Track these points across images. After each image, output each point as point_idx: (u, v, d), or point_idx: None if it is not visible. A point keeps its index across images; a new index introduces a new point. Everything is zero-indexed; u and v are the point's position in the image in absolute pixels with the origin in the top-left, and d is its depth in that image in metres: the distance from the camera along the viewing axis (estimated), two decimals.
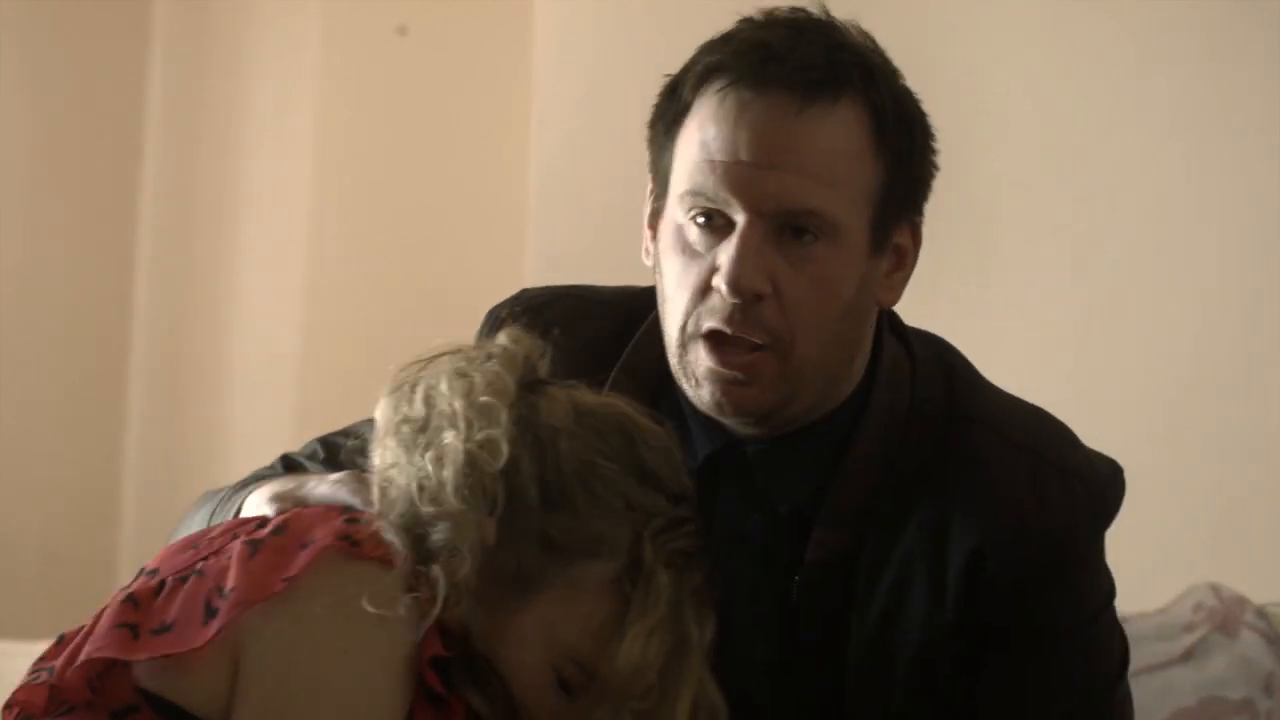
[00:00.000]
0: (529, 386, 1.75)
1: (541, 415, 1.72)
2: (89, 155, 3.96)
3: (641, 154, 1.89)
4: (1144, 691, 2.67)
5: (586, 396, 1.76)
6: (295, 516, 1.70)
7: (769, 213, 1.78)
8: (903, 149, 1.84)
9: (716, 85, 1.80)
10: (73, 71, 3.97)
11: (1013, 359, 3.11)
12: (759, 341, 1.80)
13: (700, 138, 1.80)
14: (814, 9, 1.84)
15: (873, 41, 1.84)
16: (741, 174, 1.78)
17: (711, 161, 1.79)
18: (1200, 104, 3.19)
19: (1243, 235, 3.17)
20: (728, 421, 1.86)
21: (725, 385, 1.80)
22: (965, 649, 1.86)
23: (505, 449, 1.68)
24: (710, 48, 1.83)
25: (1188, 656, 2.80)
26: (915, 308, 3.16)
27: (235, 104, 3.94)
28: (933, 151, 1.87)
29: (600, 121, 3.59)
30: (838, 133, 1.79)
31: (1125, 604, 2.79)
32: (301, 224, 3.86)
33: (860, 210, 1.81)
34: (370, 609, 1.62)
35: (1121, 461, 3.08)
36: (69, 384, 4.05)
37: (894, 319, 1.96)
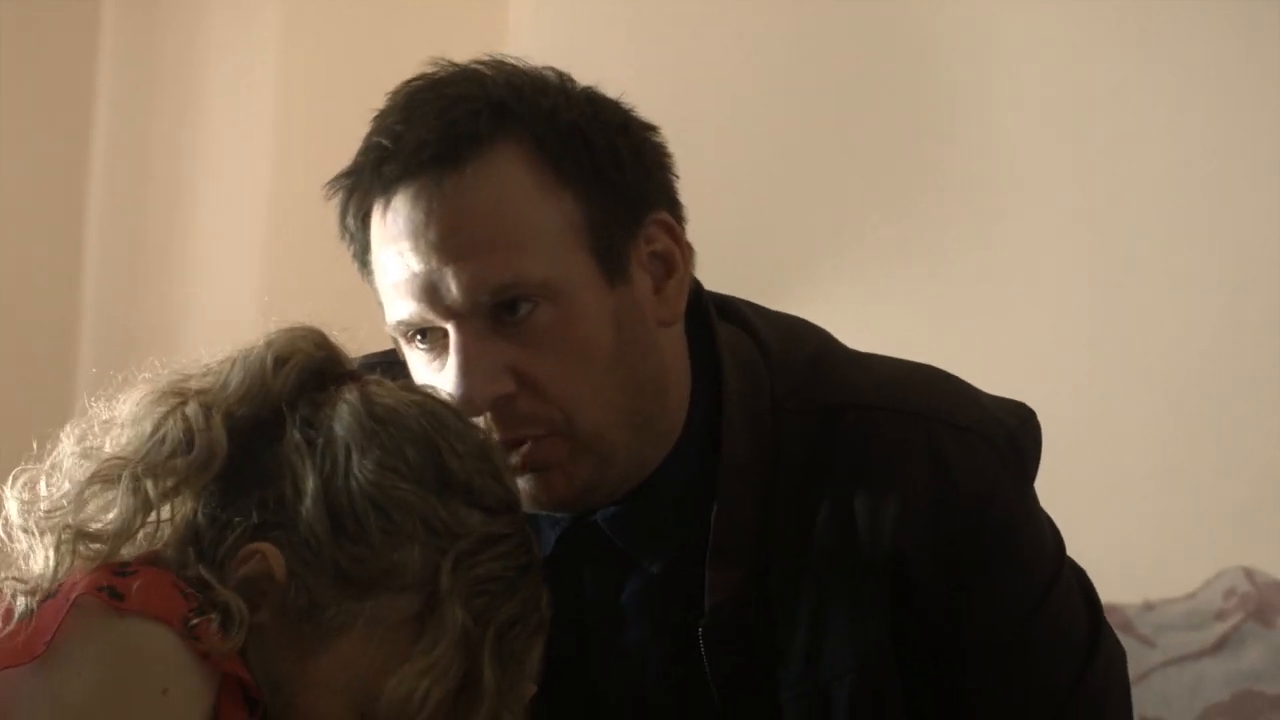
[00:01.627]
0: (311, 384, 1.54)
1: (325, 423, 1.52)
2: (37, 131, 3.75)
3: None
4: (1172, 685, 2.57)
5: (383, 394, 1.55)
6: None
7: (469, 308, 1.60)
8: (594, 165, 1.63)
9: (363, 211, 1.64)
10: (21, 43, 3.76)
11: (1022, 334, 2.94)
12: (531, 434, 1.61)
13: (379, 268, 1.64)
14: (444, 65, 1.65)
15: (523, 73, 1.65)
16: (422, 285, 1.60)
17: (395, 286, 1.62)
18: (1221, 67, 3.05)
19: (1269, 204, 3.02)
20: (560, 513, 1.68)
21: (531, 482, 1.62)
22: (913, 666, 1.66)
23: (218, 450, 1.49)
24: (346, 170, 1.66)
25: (1220, 646, 2.65)
26: (920, 283, 3.05)
27: (191, 73, 3.74)
28: (647, 141, 1.67)
29: None
30: (492, 191, 1.61)
31: (1150, 590, 2.63)
32: (261, 200, 3.68)
33: (568, 252, 1.62)
34: (146, 683, 1.40)
35: (1142, 440, 2.94)
36: (18, 367, 3.86)
37: (730, 307, 1.75)
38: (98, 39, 3.76)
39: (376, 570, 1.48)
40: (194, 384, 1.52)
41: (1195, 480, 2.92)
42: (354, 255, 1.67)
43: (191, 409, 1.50)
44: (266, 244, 3.67)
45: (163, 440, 1.49)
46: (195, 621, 1.42)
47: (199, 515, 1.51)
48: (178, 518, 1.51)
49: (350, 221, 1.66)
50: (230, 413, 1.51)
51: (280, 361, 1.53)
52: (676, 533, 1.68)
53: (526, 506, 1.61)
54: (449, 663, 1.47)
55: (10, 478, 1.49)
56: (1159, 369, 3.00)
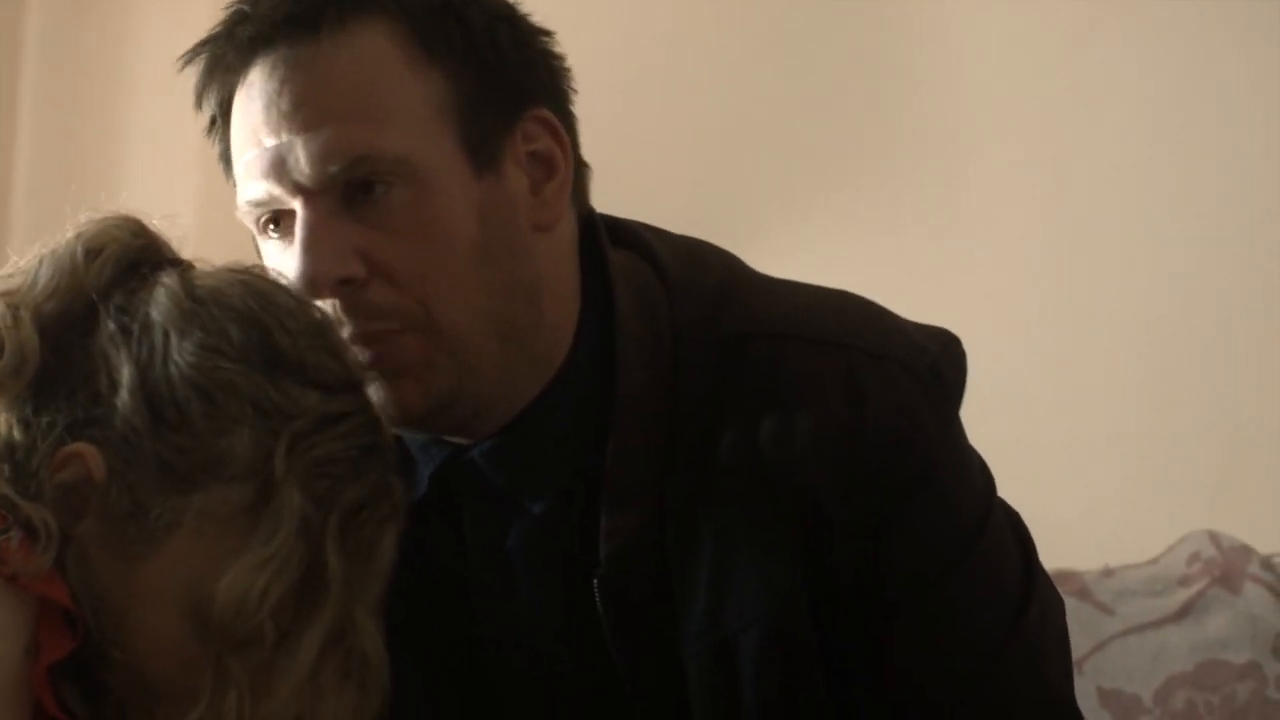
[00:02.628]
0: (127, 275, 1.41)
1: (141, 309, 1.39)
2: None
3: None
4: (1134, 654, 2.48)
5: (205, 275, 1.43)
6: None
7: (318, 184, 1.49)
8: (467, 46, 1.53)
9: (224, 96, 1.54)
10: None
11: (980, 296, 2.85)
12: (385, 327, 1.49)
13: (235, 150, 1.54)
14: None
15: None
16: (271, 159, 1.50)
17: (246, 165, 1.52)
18: (1184, 15, 2.94)
19: (1236, 156, 2.91)
20: (416, 433, 1.56)
21: (382, 390, 1.49)
22: (829, 615, 1.53)
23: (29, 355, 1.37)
24: (203, 38, 1.56)
25: (1183, 614, 2.52)
26: (875, 244, 2.96)
27: (121, 50, 3.62)
28: (534, 37, 1.57)
29: None
30: (352, 61, 1.51)
31: (1114, 556, 2.52)
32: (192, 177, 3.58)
33: (431, 135, 1.51)
34: None
35: (1105, 402, 2.83)
36: None
37: (626, 230, 1.64)
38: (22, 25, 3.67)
39: (203, 460, 1.36)
40: (0, 286, 1.40)
41: (1159, 443, 2.83)
42: (220, 154, 1.57)
43: None
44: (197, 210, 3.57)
45: None
46: (10, 530, 1.30)
47: (13, 427, 1.38)
48: None
49: (210, 106, 1.55)
50: (39, 310, 1.39)
51: (92, 253, 1.41)
52: (562, 471, 1.56)
53: (387, 423, 1.48)
54: (289, 553, 1.35)
55: None
56: (1122, 329, 2.89)
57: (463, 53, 1.52)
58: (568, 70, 1.59)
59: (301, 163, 1.48)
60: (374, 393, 1.48)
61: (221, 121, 1.54)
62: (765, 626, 1.52)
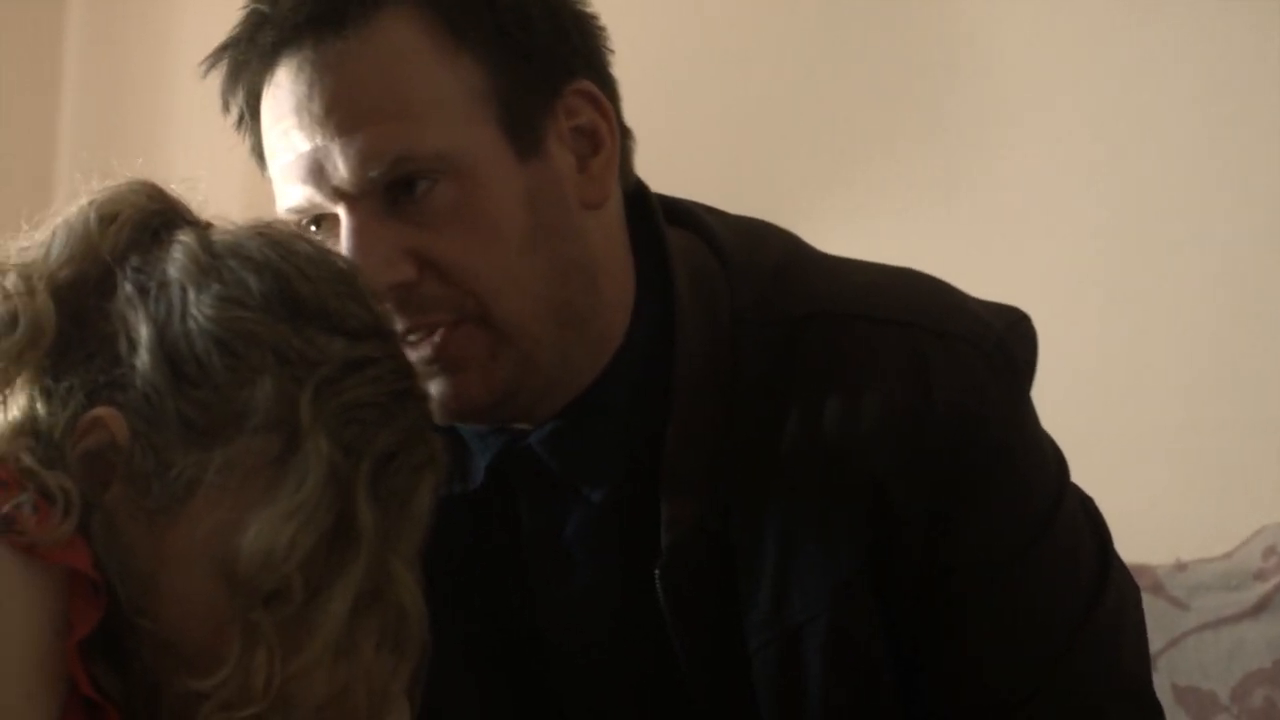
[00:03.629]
0: (144, 239, 1.37)
1: (158, 268, 1.35)
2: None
3: None
4: (1208, 650, 2.43)
5: (223, 233, 1.38)
6: None
7: (359, 188, 1.45)
8: (497, 25, 1.48)
9: (251, 92, 1.50)
10: None
11: (1035, 277, 2.81)
12: (439, 319, 1.46)
13: (269, 152, 1.50)
14: None
15: None
16: (308, 165, 1.46)
17: (282, 171, 1.48)
18: None
19: None
20: (476, 425, 1.53)
21: (442, 384, 1.46)
22: (896, 606, 1.49)
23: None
24: (223, 42, 1.52)
25: (1260, 609, 2.46)
26: (925, 221, 2.91)
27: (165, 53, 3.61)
28: (565, 5, 1.52)
29: None
30: (381, 57, 1.46)
31: (1186, 550, 2.47)
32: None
33: (469, 123, 1.46)
34: None
35: (1171, 389, 2.78)
36: None
37: (683, 210, 1.59)
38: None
39: (226, 413, 1.31)
40: (14, 258, 1.37)
41: (1231, 433, 2.74)
42: (251, 149, 1.53)
43: (11, 281, 1.34)
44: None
45: None
46: (6, 510, 1.25)
47: (35, 400, 1.35)
48: (13, 404, 1.35)
49: (238, 105, 1.51)
50: (54, 279, 1.35)
51: (107, 219, 1.37)
52: (621, 457, 1.52)
53: (437, 418, 1.44)
54: (317, 503, 1.30)
55: None
56: (1188, 311, 2.82)
57: (494, 34, 1.47)
58: (603, 31, 1.55)
59: (340, 169, 1.45)
60: (434, 387, 1.44)
61: (250, 117, 1.51)
62: (830, 618, 1.48)
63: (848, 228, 2.81)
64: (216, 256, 1.35)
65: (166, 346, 1.32)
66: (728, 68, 3.07)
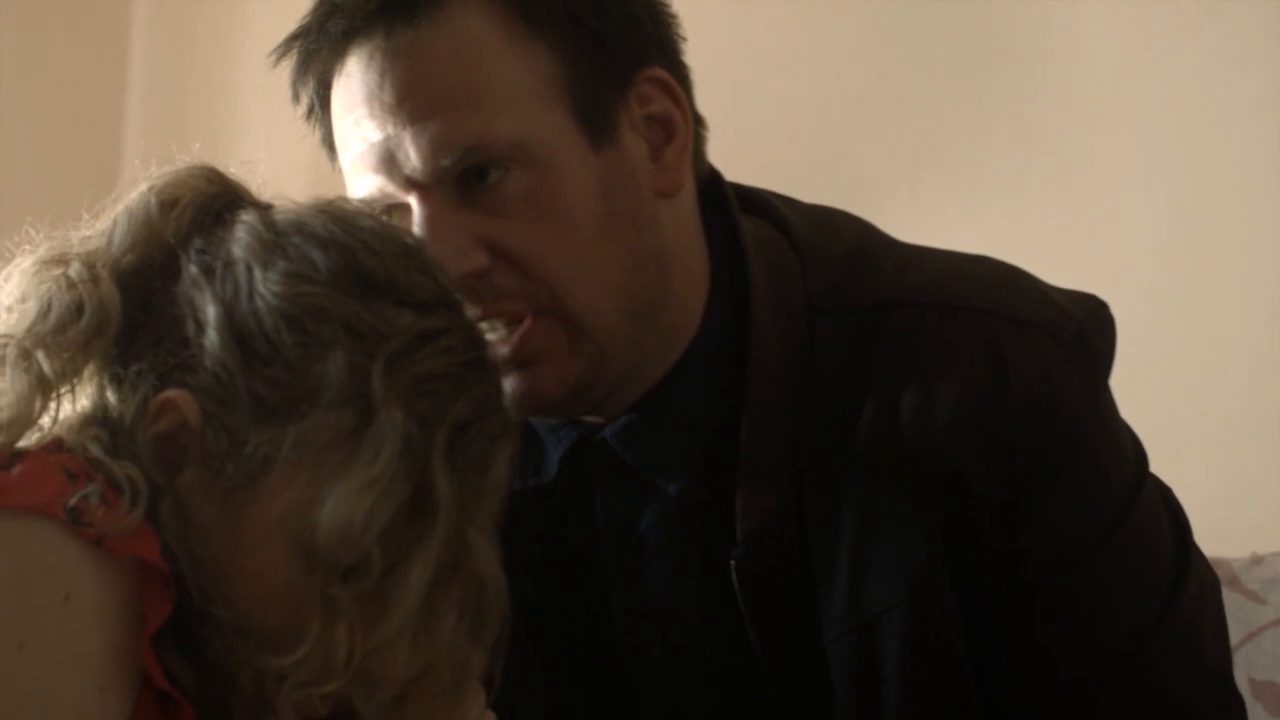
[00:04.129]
0: (206, 221, 1.36)
1: (223, 248, 1.34)
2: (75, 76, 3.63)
3: None
4: None
5: (285, 211, 1.37)
6: None
7: (431, 177, 1.45)
8: (569, 12, 1.47)
9: (322, 82, 1.50)
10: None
11: (1112, 272, 2.78)
12: (512, 308, 1.45)
13: (340, 144, 1.50)
14: None
15: None
16: (380, 154, 1.46)
17: (354, 161, 1.48)
18: None
19: None
20: (549, 419, 1.52)
21: (516, 380, 1.44)
22: (973, 597, 1.47)
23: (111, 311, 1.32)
24: (294, 31, 1.52)
25: None
26: (1001, 217, 2.88)
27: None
28: None
29: None
30: (452, 45, 1.45)
31: (1262, 544, 2.44)
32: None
33: (542, 111, 1.45)
34: (43, 590, 1.22)
35: (1246, 382, 2.75)
36: None
37: (757, 199, 1.58)
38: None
39: (298, 390, 1.30)
40: (77, 248, 1.36)
41: None
42: (322, 139, 1.52)
43: (75, 270, 1.33)
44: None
45: (48, 310, 1.32)
46: (74, 503, 1.24)
47: (105, 388, 1.34)
48: (82, 394, 1.34)
49: (308, 95, 1.51)
50: (118, 265, 1.34)
51: (168, 204, 1.36)
52: (696, 449, 1.51)
53: (520, 411, 1.43)
54: (393, 475, 1.28)
55: None
56: (1265, 304, 2.78)
57: (566, 21, 1.46)
58: (675, 18, 1.54)
59: (412, 158, 1.44)
60: (509, 383, 1.42)
61: (320, 108, 1.50)
62: (907, 609, 1.46)
63: (922, 223, 2.79)
64: (281, 234, 1.34)
65: (235, 325, 1.31)
66: (804, 60, 3.05)
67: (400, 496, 1.28)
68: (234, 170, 1.39)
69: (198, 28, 3.64)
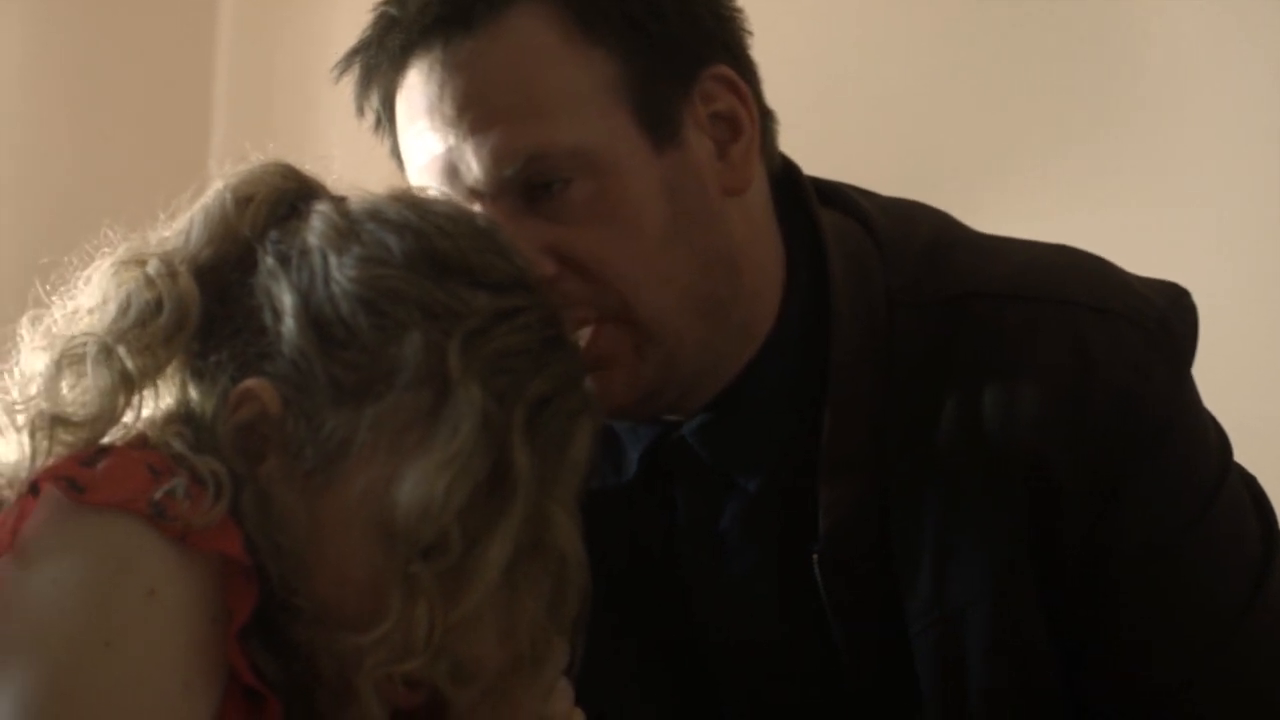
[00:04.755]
0: (282, 215, 1.37)
1: (299, 238, 1.35)
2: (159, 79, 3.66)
3: None
4: None
5: (359, 200, 1.38)
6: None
7: (494, 188, 1.44)
8: (626, 16, 1.46)
9: (385, 95, 1.50)
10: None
11: (1213, 276, 2.72)
12: (581, 316, 1.44)
13: (405, 156, 1.50)
14: None
15: None
16: (443, 166, 1.46)
17: (419, 173, 1.48)
18: None
19: None
20: (626, 421, 1.52)
21: (593, 383, 1.42)
22: (1057, 587, 1.46)
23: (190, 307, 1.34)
24: (354, 46, 1.52)
25: None
26: (1095, 215, 2.85)
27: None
28: None
29: None
30: (510, 54, 1.45)
31: None
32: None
33: (603, 115, 1.45)
34: (128, 588, 1.23)
35: None
36: None
37: (836, 192, 1.57)
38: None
39: (376, 371, 1.30)
40: (154, 247, 1.37)
41: None
42: (390, 151, 1.52)
43: (154, 267, 1.34)
44: None
45: (127, 307, 1.33)
46: (159, 498, 1.25)
47: (186, 384, 1.35)
48: (165, 391, 1.35)
49: (372, 109, 1.51)
50: (196, 261, 1.36)
51: (243, 200, 1.37)
52: (774, 444, 1.50)
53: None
54: (471, 452, 1.28)
55: None
56: None
57: (623, 24, 1.46)
58: (739, 14, 1.53)
59: (474, 169, 1.44)
60: None
61: (386, 119, 1.51)
62: (992, 601, 1.46)
63: (1009, 220, 2.76)
64: (355, 221, 1.34)
65: (312, 311, 1.31)
66: (891, 53, 3.02)
67: (479, 473, 1.28)
68: (309, 166, 1.40)
69: (283, 24, 3.66)
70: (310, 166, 1.40)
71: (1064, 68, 2.92)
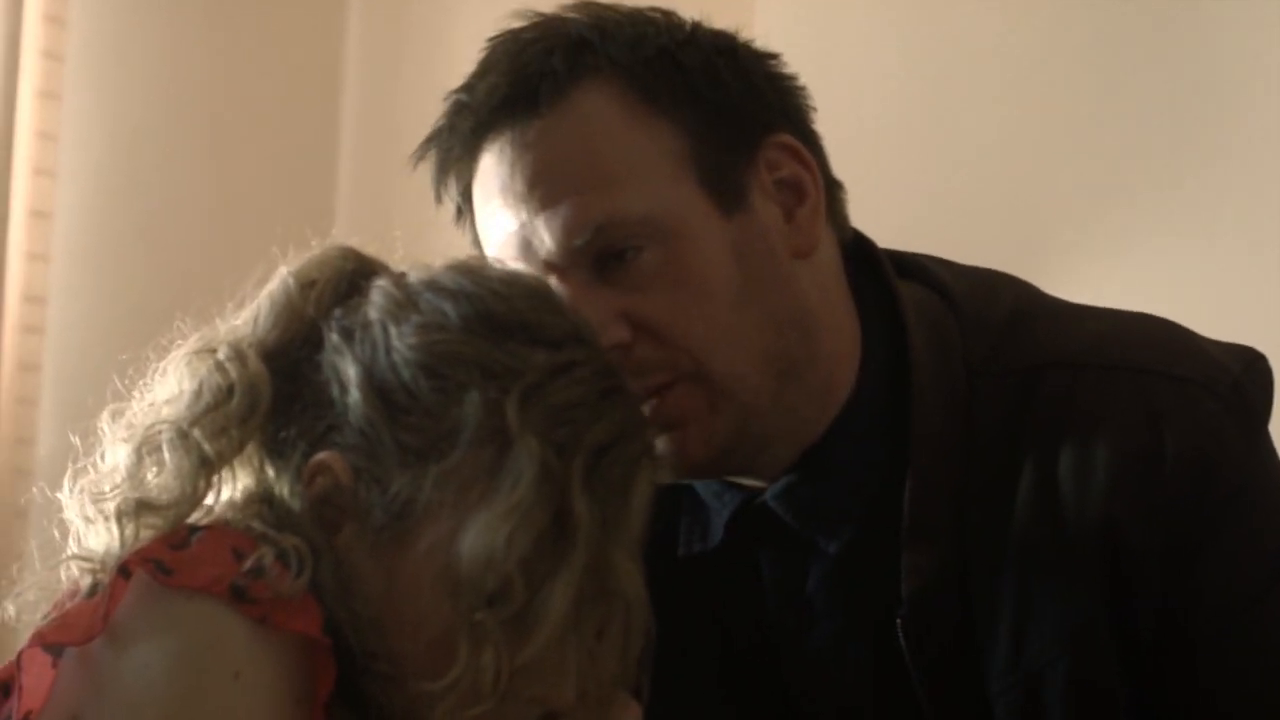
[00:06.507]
0: (346, 291, 1.43)
1: (361, 313, 1.40)
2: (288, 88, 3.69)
3: None
4: None
5: (417, 272, 1.43)
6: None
7: (566, 259, 1.49)
8: (690, 88, 1.51)
9: (462, 183, 1.55)
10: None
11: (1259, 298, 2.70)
12: (657, 381, 1.48)
13: (484, 238, 1.54)
14: (529, 15, 1.56)
15: (611, 9, 1.54)
16: (518, 242, 1.50)
17: (497, 250, 1.52)
18: None
19: None
20: (702, 479, 1.56)
21: (662, 443, 1.46)
22: (1135, 651, 1.48)
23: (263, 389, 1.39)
24: (428, 135, 1.57)
25: None
26: (1192, 259, 2.84)
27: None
28: (756, 63, 1.55)
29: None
30: (577, 130, 1.49)
31: None
32: None
33: (671, 184, 1.49)
34: (213, 671, 1.27)
35: None
36: None
37: (914, 264, 1.60)
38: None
39: (439, 432, 1.35)
40: (223, 335, 1.42)
41: None
42: (471, 242, 1.57)
43: (224, 353, 1.40)
44: None
45: (199, 393, 1.39)
46: (240, 581, 1.29)
47: (264, 463, 1.40)
48: (243, 473, 1.40)
49: (452, 199, 1.56)
50: (264, 345, 1.41)
51: (307, 285, 1.43)
52: (856, 508, 1.54)
53: (669, 476, 1.47)
54: (533, 501, 1.32)
55: (65, 482, 1.40)
56: None
57: (686, 97, 1.50)
58: (801, 89, 1.57)
59: (546, 242, 1.48)
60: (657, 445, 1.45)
61: (466, 210, 1.55)
62: (1070, 662, 1.48)
63: (1111, 259, 2.76)
64: (413, 292, 1.39)
65: (375, 381, 1.36)
66: (995, 89, 3.03)
67: (540, 522, 1.32)
68: (372, 248, 1.45)
69: (411, 32, 3.67)
70: (373, 248, 1.45)
71: (1170, 104, 2.90)
